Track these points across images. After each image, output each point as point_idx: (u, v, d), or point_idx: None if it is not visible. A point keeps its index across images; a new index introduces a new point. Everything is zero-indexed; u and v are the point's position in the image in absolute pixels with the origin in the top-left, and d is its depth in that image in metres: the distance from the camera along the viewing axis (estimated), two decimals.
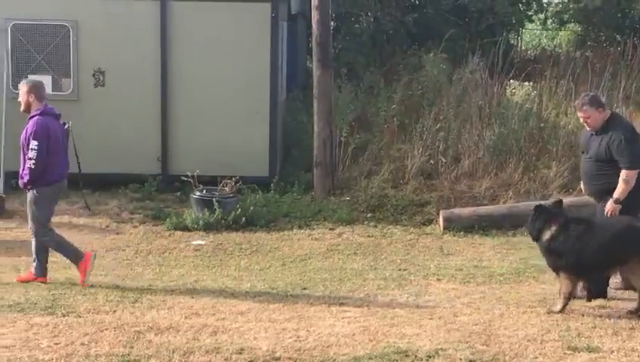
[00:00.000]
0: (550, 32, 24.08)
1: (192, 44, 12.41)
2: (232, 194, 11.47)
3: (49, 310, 7.30)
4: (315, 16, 12.39)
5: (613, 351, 6.38)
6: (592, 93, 8.38)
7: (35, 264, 8.39)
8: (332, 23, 14.36)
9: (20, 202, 11.04)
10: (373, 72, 16.48)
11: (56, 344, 6.43)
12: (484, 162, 12.70)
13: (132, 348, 6.35)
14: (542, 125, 13.55)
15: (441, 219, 11.10)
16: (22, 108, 8.33)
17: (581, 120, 7.95)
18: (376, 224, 11.33)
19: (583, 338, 6.65)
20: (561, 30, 22.98)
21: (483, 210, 11.32)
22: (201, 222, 10.99)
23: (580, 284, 7.60)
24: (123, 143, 12.44)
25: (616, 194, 7.51)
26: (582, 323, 7.04)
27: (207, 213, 11.05)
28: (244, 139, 12.48)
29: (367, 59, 17.48)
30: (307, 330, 6.83)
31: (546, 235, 7.40)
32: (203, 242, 10.55)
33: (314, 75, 12.56)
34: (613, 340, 6.64)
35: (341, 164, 12.87)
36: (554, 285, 7.91)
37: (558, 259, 7.35)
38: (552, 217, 7.45)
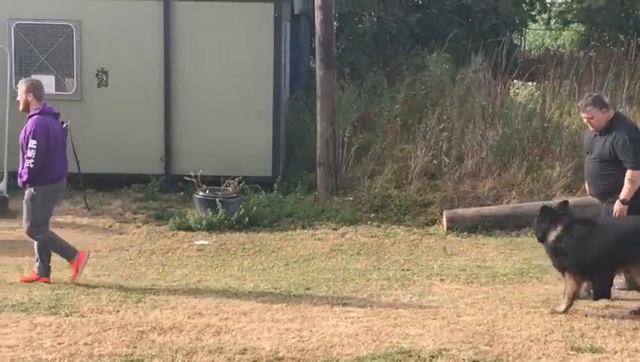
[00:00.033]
0: (553, 32, 24.03)
1: (195, 44, 12.41)
2: (235, 195, 11.46)
3: (52, 310, 7.30)
4: (318, 16, 12.38)
5: (616, 352, 6.37)
6: (595, 94, 8.37)
7: (37, 264, 8.38)
8: (335, 23, 14.33)
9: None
10: (377, 71, 16.44)
11: (59, 344, 6.43)
12: (487, 162, 12.67)
13: (135, 347, 6.36)
14: (545, 125, 13.51)
15: (444, 220, 11.08)
16: (21, 107, 8.31)
17: (585, 120, 7.94)
18: (380, 224, 11.32)
19: (586, 339, 6.64)
20: (564, 30, 22.92)
21: (486, 210, 11.30)
22: (204, 222, 10.99)
23: (584, 285, 7.60)
24: (126, 143, 12.44)
25: (622, 195, 7.50)
26: (585, 324, 7.03)
27: (211, 213, 11.04)
28: (248, 139, 12.47)
29: (371, 59, 17.46)
30: (310, 330, 6.83)
31: (552, 236, 7.39)
32: (206, 242, 10.54)
33: (317, 75, 12.55)
34: (616, 340, 6.63)
35: (344, 164, 12.85)
36: (557, 285, 7.91)
37: (564, 259, 7.34)
38: (558, 218, 7.44)
